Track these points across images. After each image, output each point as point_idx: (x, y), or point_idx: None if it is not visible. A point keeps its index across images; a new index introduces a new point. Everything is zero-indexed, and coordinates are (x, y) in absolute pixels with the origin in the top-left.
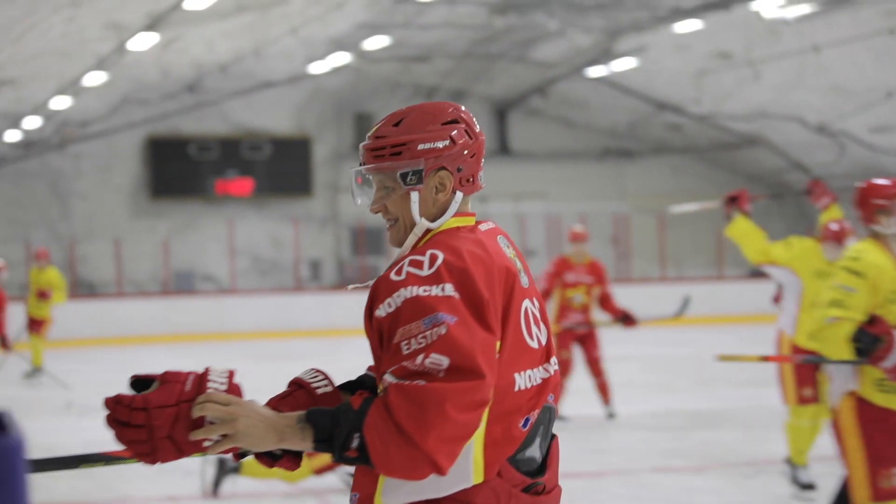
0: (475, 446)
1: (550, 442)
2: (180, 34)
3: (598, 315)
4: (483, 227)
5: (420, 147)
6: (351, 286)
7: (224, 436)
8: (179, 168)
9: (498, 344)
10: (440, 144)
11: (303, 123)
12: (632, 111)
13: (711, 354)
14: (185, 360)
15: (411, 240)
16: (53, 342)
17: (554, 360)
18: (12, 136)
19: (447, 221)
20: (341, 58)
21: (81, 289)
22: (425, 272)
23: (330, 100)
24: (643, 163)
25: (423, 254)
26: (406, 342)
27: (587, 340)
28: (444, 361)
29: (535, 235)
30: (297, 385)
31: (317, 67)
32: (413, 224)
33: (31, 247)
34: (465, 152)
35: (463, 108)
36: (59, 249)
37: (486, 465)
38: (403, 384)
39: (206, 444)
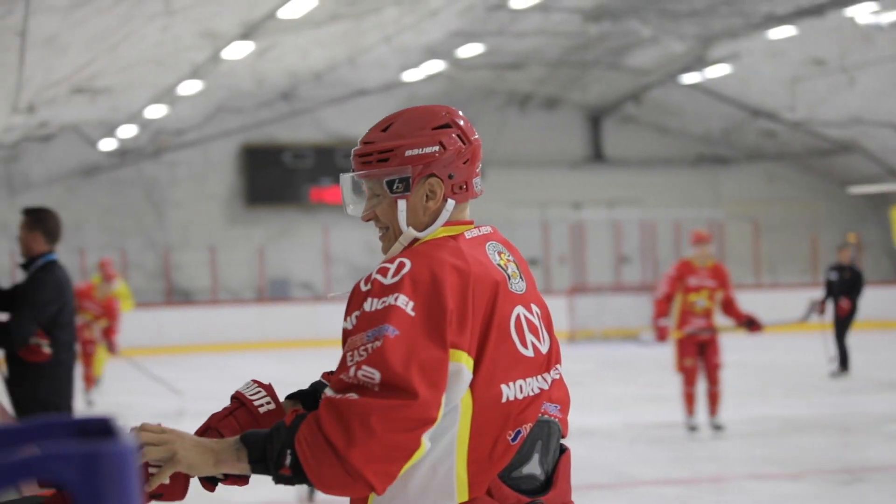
0: (457, 462)
1: (559, 458)
2: (275, 43)
3: (721, 320)
4: (469, 234)
5: (408, 153)
6: (331, 294)
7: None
8: (274, 176)
9: (466, 358)
10: (429, 150)
11: None
12: (726, 118)
13: (805, 361)
14: (280, 367)
15: (396, 248)
16: (148, 349)
17: (556, 370)
18: (108, 144)
19: (435, 231)
20: (435, 66)
21: (176, 297)
22: (388, 280)
23: None
24: (737, 169)
25: (393, 261)
26: (350, 354)
27: (708, 346)
28: (376, 375)
29: (630, 242)
30: (238, 402)
31: (411, 75)
32: (401, 233)
33: (126, 255)
34: (458, 158)
35: (459, 112)
36: (155, 257)
37: (470, 484)
38: (334, 398)
39: (151, 470)
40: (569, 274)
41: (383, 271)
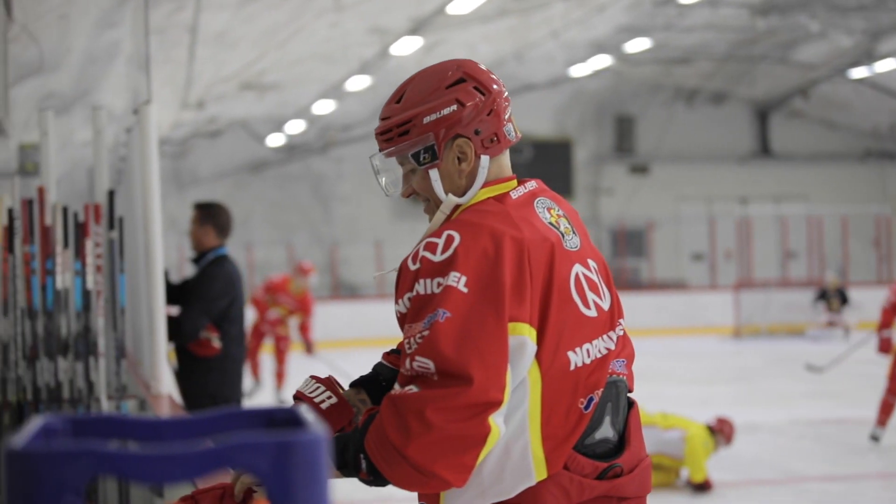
0: (531, 439)
1: (627, 414)
2: (443, 38)
3: None
4: (515, 193)
5: (426, 120)
6: (376, 273)
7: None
8: None
9: (528, 330)
10: (447, 111)
11: (563, 126)
12: (895, 113)
13: None
14: None
15: (439, 218)
16: (316, 343)
17: (621, 325)
18: (276, 139)
19: (476, 194)
20: (602, 60)
21: (343, 291)
22: (438, 257)
23: (590, 102)
24: None
25: (440, 234)
26: (408, 342)
27: None
28: (430, 365)
29: (797, 237)
30: (300, 401)
31: (577, 70)
32: (441, 202)
33: (293, 249)
34: (480, 112)
35: (474, 62)
36: (322, 252)
37: (547, 460)
38: (395, 394)
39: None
40: (735, 269)
41: (431, 247)
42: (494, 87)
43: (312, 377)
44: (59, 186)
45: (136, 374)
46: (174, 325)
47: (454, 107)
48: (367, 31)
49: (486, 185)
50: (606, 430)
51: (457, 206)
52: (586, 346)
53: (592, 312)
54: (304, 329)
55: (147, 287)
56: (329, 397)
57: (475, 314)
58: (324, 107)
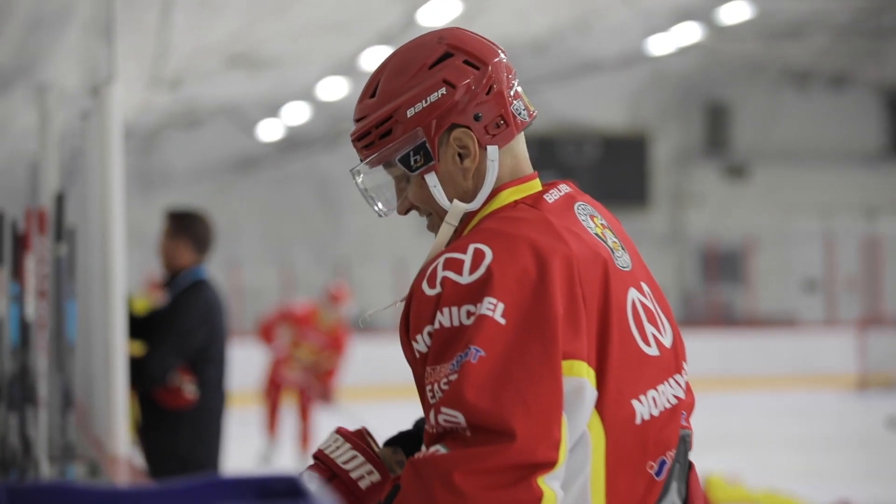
0: None
1: (688, 474)
2: (486, 4)
3: None
4: (550, 196)
5: (410, 112)
6: (369, 312)
7: None
8: None
9: (586, 370)
10: (434, 97)
11: (638, 117)
12: None
13: None
14: None
15: (446, 232)
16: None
17: (685, 367)
18: (271, 130)
19: (500, 196)
20: (689, 33)
21: (355, 324)
22: (466, 278)
23: (674, 87)
24: None
25: (464, 249)
26: (430, 390)
27: None
28: (460, 417)
29: None
30: (318, 462)
31: (657, 46)
32: (445, 213)
33: (291, 271)
34: (478, 91)
35: (462, 29)
36: (327, 273)
37: None
38: (418, 458)
39: None
40: (859, 301)
41: (454, 265)
42: (491, 56)
43: (339, 431)
44: None
45: (86, 429)
46: (138, 367)
47: (443, 90)
48: None
49: (505, 185)
50: (674, 497)
51: (468, 216)
52: (651, 393)
53: (654, 350)
54: (328, 375)
55: (104, 317)
56: (354, 457)
57: (516, 351)
58: (332, 88)
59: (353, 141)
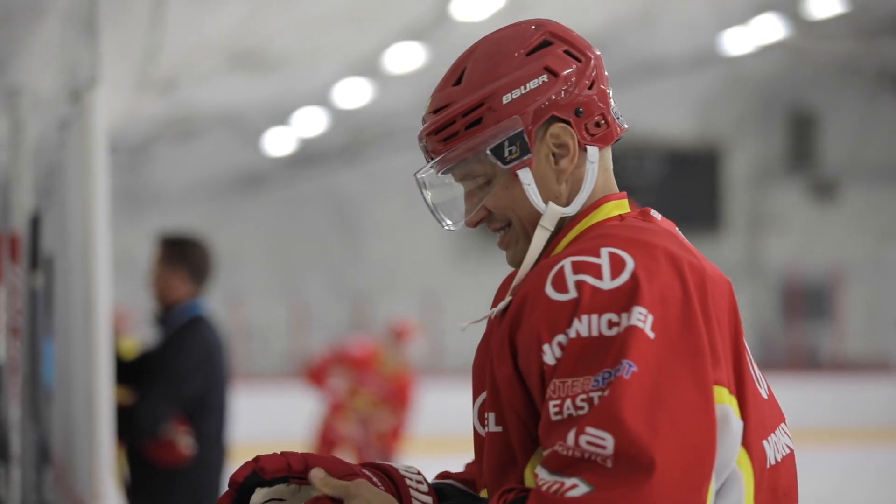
0: None
1: None
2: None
3: None
4: (656, 212)
5: (507, 99)
6: (466, 323)
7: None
8: None
9: (729, 398)
10: (534, 84)
11: (710, 126)
12: None
13: None
14: None
15: (541, 237)
16: None
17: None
18: (280, 142)
19: (604, 209)
20: (771, 29)
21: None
22: (608, 283)
23: (752, 92)
24: None
25: (595, 252)
26: (557, 404)
27: None
28: (608, 441)
29: None
30: (381, 473)
31: (733, 44)
32: (535, 220)
33: (304, 304)
34: (579, 83)
35: (556, 22)
36: (345, 308)
37: None
38: (545, 489)
39: None
40: None
41: (590, 269)
42: (595, 53)
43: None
44: None
45: (65, 488)
46: (125, 417)
47: (544, 76)
48: None
49: (605, 198)
50: None
51: (567, 225)
52: (772, 436)
53: (764, 392)
54: (393, 436)
55: (86, 359)
56: (428, 493)
57: (667, 371)
58: (352, 93)
59: (426, 135)
